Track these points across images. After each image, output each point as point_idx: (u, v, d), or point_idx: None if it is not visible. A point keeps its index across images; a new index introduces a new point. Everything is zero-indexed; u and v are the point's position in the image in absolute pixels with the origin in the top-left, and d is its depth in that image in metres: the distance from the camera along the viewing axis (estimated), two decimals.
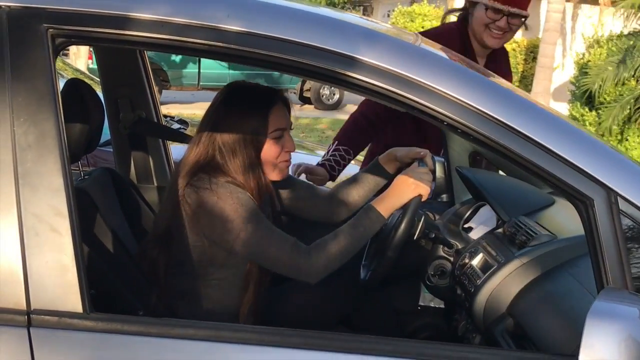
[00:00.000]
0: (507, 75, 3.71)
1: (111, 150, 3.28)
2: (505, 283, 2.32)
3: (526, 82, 16.67)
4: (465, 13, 3.56)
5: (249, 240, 2.32)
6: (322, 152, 6.41)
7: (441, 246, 2.80)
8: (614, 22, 12.48)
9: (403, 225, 2.44)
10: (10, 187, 1.58)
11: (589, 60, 10.21)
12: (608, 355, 1.47)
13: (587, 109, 10.07)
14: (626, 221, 1.67)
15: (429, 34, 3.29)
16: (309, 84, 16.20)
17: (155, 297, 2.47)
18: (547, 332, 2.07)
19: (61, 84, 1.97)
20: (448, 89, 1.68)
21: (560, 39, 15.74)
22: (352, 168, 3.71)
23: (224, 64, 15.96)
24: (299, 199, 2.76)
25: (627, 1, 10.39)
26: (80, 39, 1.77)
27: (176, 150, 3.56)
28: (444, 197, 3.50)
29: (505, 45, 3.71)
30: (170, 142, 3.36)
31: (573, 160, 1.66)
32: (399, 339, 1.81)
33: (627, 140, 9.73)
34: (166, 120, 5.42)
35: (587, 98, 10.02)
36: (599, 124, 9.69)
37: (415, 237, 2.66)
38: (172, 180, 2.50)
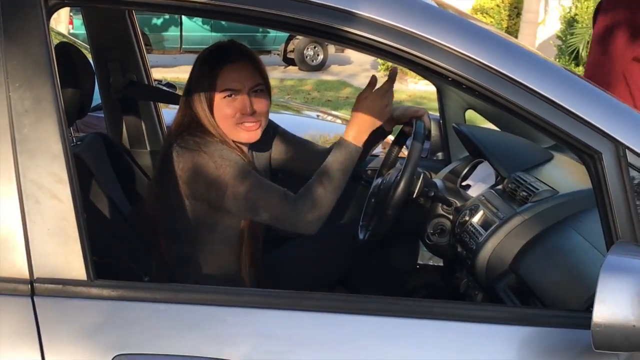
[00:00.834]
0: None
1: (102, 115, 3.24)
2: (507, 239, 2.32)
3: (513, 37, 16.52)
4: None
5: (238, 194, 2.30)
6: (309, 113, 6.43)
7: (440, 204, 2.78)
8: None
9: (402, 184, 2.42)
10: (8, 154, 1.54)
11: (575, 14, 10.15)
12: (622, 309, 1.45)
13: (573, 65, 10.04)
14: (635, 174, 1.64)
15: None
16: (293, 45, 16.08)
17: (154, 262, 2.45)
18: (551, 287, 2.06)
19: None
20: (451, 43, 1.64)
21: None
22: None
23: (206, 26, 15.83)
24: (297, 158, 2.72)
25: None
26: (74, 0, 1.72)
27: (168, 114, 3.53)
28: (440, 155, 3.49)
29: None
30: (162, 106, 3.31)
31: (580, 113, 1.63)
32: (404, 298, 1.79)
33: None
34: (155, 84, 5.37)
35: (575, 54, 9.99)
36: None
37: (414, 196, 2.64)
38: (163, 144, 2.47)
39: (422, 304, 1.77)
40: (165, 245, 2.45)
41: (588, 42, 9.43)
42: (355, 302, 1.69)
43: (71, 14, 12.04)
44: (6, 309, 1.53)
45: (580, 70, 9.99)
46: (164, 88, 4.78)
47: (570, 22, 10.02)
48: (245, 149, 2.46)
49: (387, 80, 2.35)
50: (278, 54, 16.64)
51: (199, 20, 15.83)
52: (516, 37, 15.48)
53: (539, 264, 2.18)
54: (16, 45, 1.57)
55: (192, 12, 1.75)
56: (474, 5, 17.31)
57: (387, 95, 2.33)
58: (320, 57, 16.28)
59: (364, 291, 2.77)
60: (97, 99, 3.10)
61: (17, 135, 1.55)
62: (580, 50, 9.59)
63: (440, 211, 2.78)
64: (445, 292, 2.95)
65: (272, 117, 2.56)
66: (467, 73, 1.64)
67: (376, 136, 2.47)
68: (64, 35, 7.66)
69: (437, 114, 3.47)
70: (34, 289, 1.54)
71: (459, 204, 2.76)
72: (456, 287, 2.69)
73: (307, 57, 16.25)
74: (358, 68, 16.21)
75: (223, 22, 15.20)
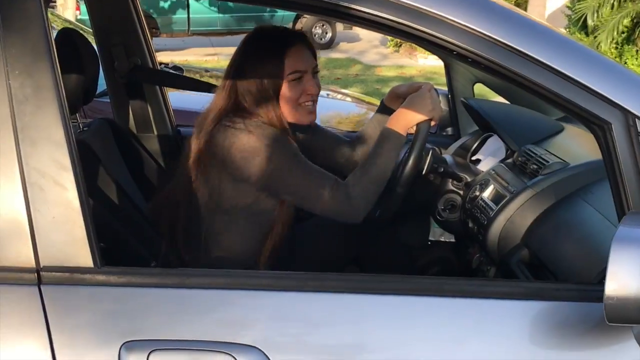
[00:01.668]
0: None
1: (107, 100, 3.22)
2: (518, 213, 2.29)
3: (520, 9, 16.41)
4: None
5: (288, 179, 2.29)
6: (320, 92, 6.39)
7: (450, 180, 2.75)
8: None
9: (411, 161, 2.40)
10: (10, 142, 1.53)
11: None
12: (635, 281, 1.43)
13: (583, 34, 9.95)
14: None
15: None
16: (300, 23, 16.01)
17: (165, 247, 2.44)
18: (564, 260, 2.04)
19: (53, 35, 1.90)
20: (455, 16, 1.61)
21: None
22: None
23: (214, 8, 15.77)
24: (324, 149, 2.70)
25: None
26: None
27: (174, 97, 3.52)
28: (449, 130, 3.46)
29: None
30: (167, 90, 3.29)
31: (588, 83, 1.60)
32: (413, 276, 1.77)
33: (625, 63, 9.64)
34: (161, 68, 5.35)
35: (583, 22, 9.88)
36: (597, 47, 9.58)
37: (423, 172, 2.61)
38: (196, 127, 2.43)
39: (434, 281, 1.75)
40: (186, 228, 2.42)
41: (596, 9, 9.34)
42: (367, 282, 1.68)
43: (78, 0, 12.00)
44: (13, 298, 1.52)
45: (590, 39, 9.91)
46: (171, 71, 4.77)
47: None
48: (292, 136, 2.44)
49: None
50: None
51: (206, 2, 15.78)
52: (525, 8, 15.40)
53: (551, 237, 2.16)
54: (15, 32, 1.55)
55: None
56: None
57: (431, 96, 2.39)
58: (329, 35, 16.21)
59: (376, 269, 2.75)
60: (103, 84, 3.10)
61: (19, 123, 1.53)
62: (588, 18, 9.48)
63: (451, 187, 2.76)
64: (458, 268, 2.93)
65: None
66: (472, 46, 1.61)
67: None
68: (70, 22, 7.63)
69: (446, 88, 3.44)
70: (40, 278, 1.53)
71: (469, 179, 2.74)
72: (468, 263, 2.67)
73: (315, 35, 16.17)
74: (367, 45, 16.14)
75: (230, 4, 15.15)
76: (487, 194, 2.52)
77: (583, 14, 9.66)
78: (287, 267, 2.55)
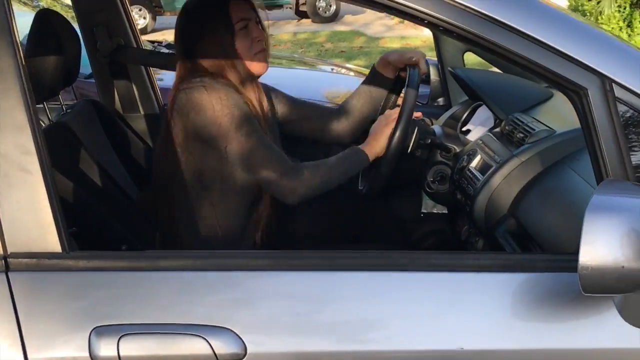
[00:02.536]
0: None
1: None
2: (505, 183, 2.26)
3: None
4: None
5: (241, 146, 2.25)
6: (323, 67, 6.35)
7: (439, 151, 2.71)
8: None
9: (395, 139, 2.32)
10: None
11: None
12: (610, 250, 1.39)
13: None
14: (623, 108, 1.57)
15: None
16: None
17: (153, 226, 2.42)
18: (549, 230, 2.00)
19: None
20: None
21: None
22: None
23: None
24: (302, 118, 2.67)
25: None
26: None
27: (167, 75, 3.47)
28: (441, 100, 3.42)
29: None
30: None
31: (562, 48, 1.56)
32: (384, 251, 1.74)
33: (629, 27, 9.51)
34: (153, 46, 5.30)
35: None
36: (600, 12, 9.46)
37: (409, 150, 2.57)
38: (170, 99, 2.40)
39: (405, 255, 1.70)
40: (176, 204, 2.40)
41: None
42: (338, 258, 1.64)
43: None
44: None
45: (593, 3, 9.78)
46: (163, 49, 4.73)
47: None
48: (257, 102, 2.42)
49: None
50: (290, 8, 16.48)
51: None
52: None
53: (537, 206, 2.12)
54: None
55: None
56: None
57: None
58: (333, 7, 16.10)
59: (370, 243, 2.73)
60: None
61: None
62: None
63: (440, 158, 2.72)
64: (453, 239, 2.89)
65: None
66: (445, 15, 1.58)
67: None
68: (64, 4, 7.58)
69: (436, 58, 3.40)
70: (7, 265, 1.50)
71: (458, 150, 2.70)
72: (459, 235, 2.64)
73: (319, 8, 16.08)
74: (372, 16, 15.99)
75: None
76: (474, 164, 2.48)
77: None
78: (280, 245, 2.53)
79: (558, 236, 1.96)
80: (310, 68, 6.07)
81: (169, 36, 11.54)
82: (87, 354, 1.48)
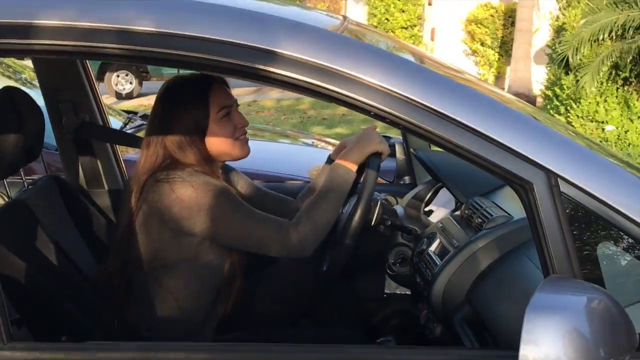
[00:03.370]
0: None
1: None
2: (462, 269, 2.25)
3: (506, 47, 16.56)
4: None
5: (234, 226, 2.24)
6: (305, 140, 6.39)
7: (400, 232, 2.70)
8: None
9: (358, 214, 2.34)
10: None
11: (564, 22, 10.07)
12: (552, 350, 1.38)
13: (563, 73, 9.96)
14: (569, 203, 1.58)
15: None
16: None
17: (110, 309, 2.38)
18: (502, 320, 1.99)
19: None
20: (371, 77, 1.58)
21: (537, 0, 15.59)
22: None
23: None
24: (264, 209, 2.66)
25: None
26: None
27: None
28: (406, 179, 3.42)
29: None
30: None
31: (507, 142, 1.57)
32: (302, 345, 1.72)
33: (606, 101, 9.63)
34: (129, 117, 5.32)
35: (565, 62, 9.89)
36: (577, 86, 9.58)
37: (372, 224, 2.57)
38: (131, 185, 2.38)
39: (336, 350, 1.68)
40: (131, 289, 2.37)
41: (577, 48, 9.33)
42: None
43: None
44: None
45: (570, 78, 9.91)
46: (137, 121, 4.74)
47: (559, 30, 9.94)
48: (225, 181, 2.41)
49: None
50: None
51: None
52: (511, 46, 15.48)
53: (492, 295, 2.11)
54: None
55: (106, 58, 1.69)
56: (467, 16, 17.29)
57: (377, 133, 2.44)
58: None
59: (330, 323, 2.70)
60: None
61: None
62: (570, 58, 9.49)
63: (401, 239, 2.71)
64: (417, 321, 2.87)
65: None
66: (388, 106, 1.58)
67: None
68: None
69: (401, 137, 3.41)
70: None
71: (419, 232, 2.69)
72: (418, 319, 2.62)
73: None
74: None
75: None
76: (433, 248, 2.47)
77: (565, 55, 9.66)
78: (240, 323, 2.51)
79: (511, 326, 1.93)
80: (293, 142, 6.14)
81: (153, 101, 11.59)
82: None
